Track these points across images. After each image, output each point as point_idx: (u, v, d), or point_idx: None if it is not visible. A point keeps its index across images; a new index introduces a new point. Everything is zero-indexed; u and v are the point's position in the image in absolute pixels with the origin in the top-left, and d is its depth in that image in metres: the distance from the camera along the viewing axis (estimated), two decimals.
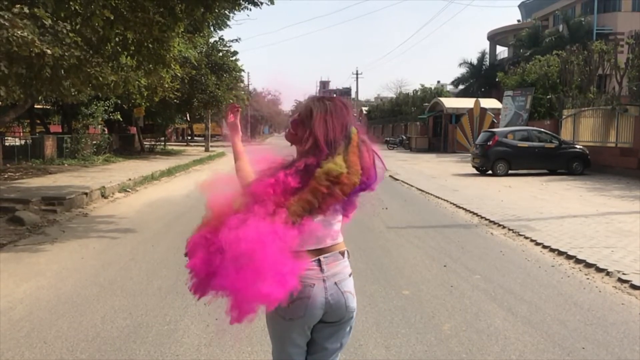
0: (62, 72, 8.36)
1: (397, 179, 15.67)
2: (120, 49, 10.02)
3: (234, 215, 1.83)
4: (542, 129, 18.69)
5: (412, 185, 14.06)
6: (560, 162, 16.98)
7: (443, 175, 17.10)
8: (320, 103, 1.99)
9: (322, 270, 1.95)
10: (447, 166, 21.54)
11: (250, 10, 10.86)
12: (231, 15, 13.31)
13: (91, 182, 12.22)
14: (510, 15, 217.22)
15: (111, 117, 22.02)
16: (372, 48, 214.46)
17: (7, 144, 19.22)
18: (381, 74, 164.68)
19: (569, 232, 7.59)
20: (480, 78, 45.41)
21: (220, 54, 27.57)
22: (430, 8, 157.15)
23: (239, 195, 1.95)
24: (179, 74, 16.00)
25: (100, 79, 9.48)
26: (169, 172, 17.57)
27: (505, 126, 23.44)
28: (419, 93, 46.78)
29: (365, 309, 4.35)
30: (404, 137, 39.39)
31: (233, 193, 1.97)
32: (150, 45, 9.95)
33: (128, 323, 4.12)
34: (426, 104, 38.73)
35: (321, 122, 1.93)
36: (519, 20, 50.40)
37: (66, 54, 7.64)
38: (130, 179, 13.56)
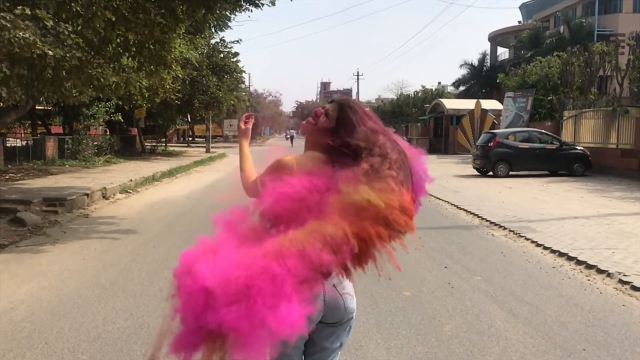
0: (64, 73, 8.38)
1: None
2: (121, 50, 10.05)
3: (238, 236, 1.77)
4: (543, 130, 18.68)
5: None
6: (561, 163, 16.97)
7: (444, 177, 17.09)
8: (352, 101, 2.04)
9: None
10: (448, 167, 21.53)
11: (251, 11, 10.91)
12: (232, 16, 13.34)
13: (92, 183, 12.23)
14: (511, 16, 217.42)
15: (112, 118, 22.04)
16: (373, 49, 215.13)
17: (8, 144, 19.21)
18: (382, 75, 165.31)
19: (570, 233, 7.59)
20: (481, 79, 45.37)
21: (222, 55, 27.59)
22: (431, 9, 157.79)
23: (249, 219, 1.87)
24: (180, 75, 16.02)
25: (102, 80, 9.50)
26: (170, 173, 17.58)
27: (506, 127, 23.42)
28: (419, 94, 46.76)
29: (366, 309, 4.35)
30: (405, 139, 39.10)
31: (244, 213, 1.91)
32: (151, 47, 9.98)
33: (129, 324, 4.12)
34: (427, 105, 38.71)
35: (365, 116, 1.97)
36: (519, 22, 50.38)
37: (67, 55, 7.66)
38: (131, 180, 13.57)
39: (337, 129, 1.96)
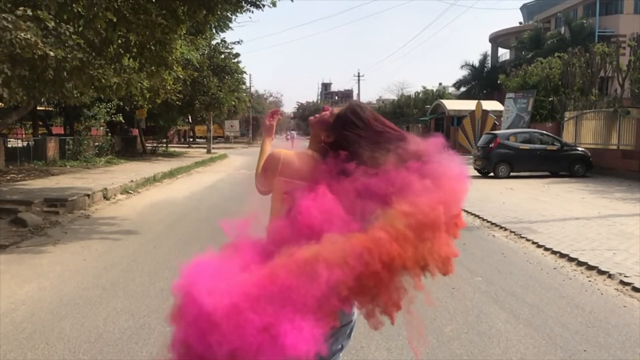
0: (65, 74, 8.38)
1: None
2: (122, 51, 10.06)
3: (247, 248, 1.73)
4: (544, 131, 18.67)
5: None
6: (562, 164, 16.96)
7: None
8: (363, 105, 2.06)
9: None
10: None
11: (252, 12, 10.91)
12: (233, 17, 13.34)
13: (93, 184, 12.25)
14: (512, 17, 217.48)
15: (113, 119, 22.08)
16: (374, 50, 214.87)
17: (9, 145, 19.23)
18: (383, 76, 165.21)
19: (571, 234, 7.58)
20: (482, 80, 45.37)
21: (222, 56, 27.62)
22: (433, 10, 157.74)
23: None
24: (181, 76, 16.00)
25: (103, 80, 9.49)
26: (171, 174, 17.59)
27: (507, 128, 23.40)
28: (420, 95, 46.84)
29: None
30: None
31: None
32: (152, 47, 9.98)
33: (130, 324, 4.13)
34: (428, 106, 38.75)
35: (378, 115, 2.00)
36: (520, 23, 50.39)
37: (69, 56, 7.66)
38: (132, 181, 13.58)
39: (335, 125, 1.96)
